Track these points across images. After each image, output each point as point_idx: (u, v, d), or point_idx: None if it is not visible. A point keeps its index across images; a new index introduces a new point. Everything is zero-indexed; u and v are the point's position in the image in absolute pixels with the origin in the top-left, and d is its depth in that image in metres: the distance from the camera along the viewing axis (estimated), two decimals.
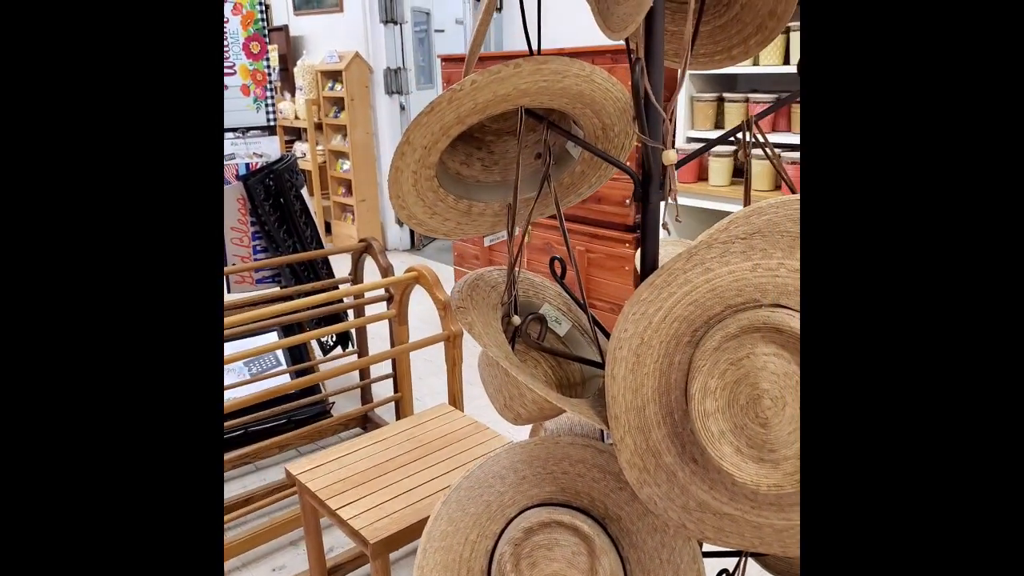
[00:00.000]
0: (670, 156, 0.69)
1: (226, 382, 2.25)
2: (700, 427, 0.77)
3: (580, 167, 0.97)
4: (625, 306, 0.86)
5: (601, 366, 1.01)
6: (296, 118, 5.51)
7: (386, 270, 2.42)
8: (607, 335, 1.04)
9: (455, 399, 2.15)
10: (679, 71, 0.72)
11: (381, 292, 2.43)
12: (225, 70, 2.68)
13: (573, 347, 1.09)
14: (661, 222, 0.77)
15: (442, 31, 6.38)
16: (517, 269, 0.99)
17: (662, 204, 0.89)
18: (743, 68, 2.67)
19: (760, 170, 2.59)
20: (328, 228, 5.58)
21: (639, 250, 0.92)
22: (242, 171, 2.72)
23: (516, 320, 0.99)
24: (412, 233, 5.44)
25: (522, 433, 2.41)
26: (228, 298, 2.51)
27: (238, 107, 2.72)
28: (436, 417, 1.83)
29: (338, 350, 2.96)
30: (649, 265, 0.89)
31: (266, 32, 2.76)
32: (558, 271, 1.07)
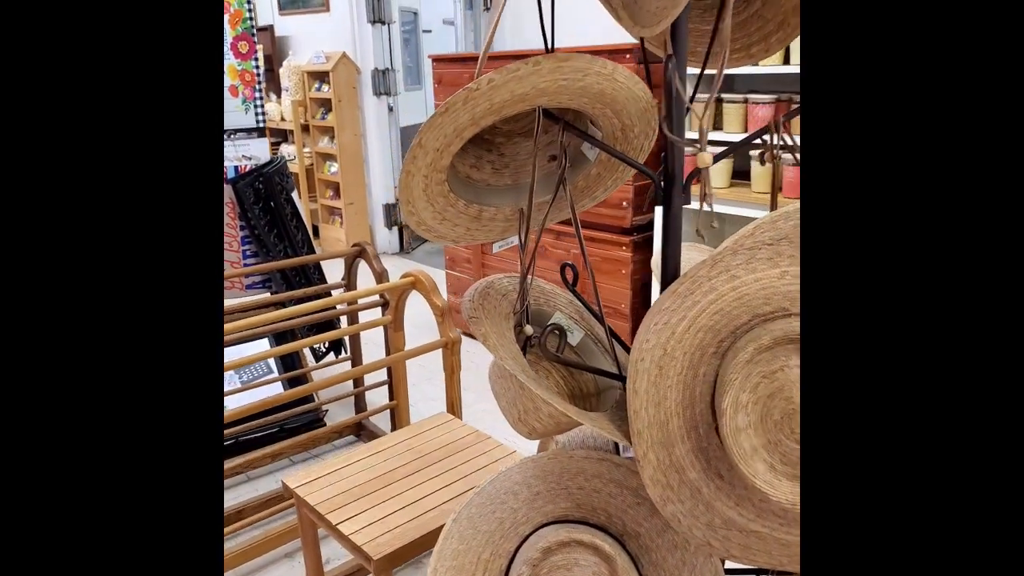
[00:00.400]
0: (705, 159, 0.65)
1: None
2: (732, 443, 0.73)
3: (596, 169, 0.93)
4: (647, 316, 0.83)
5: (617, 377, 0.98)
6: (282, 120, 5.43)
7: (380, 275, 2.37)
8: (624, 346, 1.00)
9: (453, 407, 2.10)
10: (715, 70, 0.68)
11: (375, 297, 2.37)
12: None
13: (586, 357, 1.06)
14: (696, 229, 0.74)
15: (429, 31, 6.33)
16: (530, 277, 0.95)
17: (683, 208, 0.85)
18: (741, 68, 2.64)
19: (760, 172, 2.56)
20: (316, 231, 5.51)
21: (655, 256, 0.88)
22: (231, 174, 2.66)
23: (529, 330, 0.95)
24: (401, 236, 5.38)
25: (525, 441, 2.37)
26: None
27: (226, 108, 2.66)
28: (436, 426, 1.78)
29: (331, 356, 2.90)
30: (671, 272, 0.86)
31: (254, 31, 2.70)
32: (569, 278, 1.03)
